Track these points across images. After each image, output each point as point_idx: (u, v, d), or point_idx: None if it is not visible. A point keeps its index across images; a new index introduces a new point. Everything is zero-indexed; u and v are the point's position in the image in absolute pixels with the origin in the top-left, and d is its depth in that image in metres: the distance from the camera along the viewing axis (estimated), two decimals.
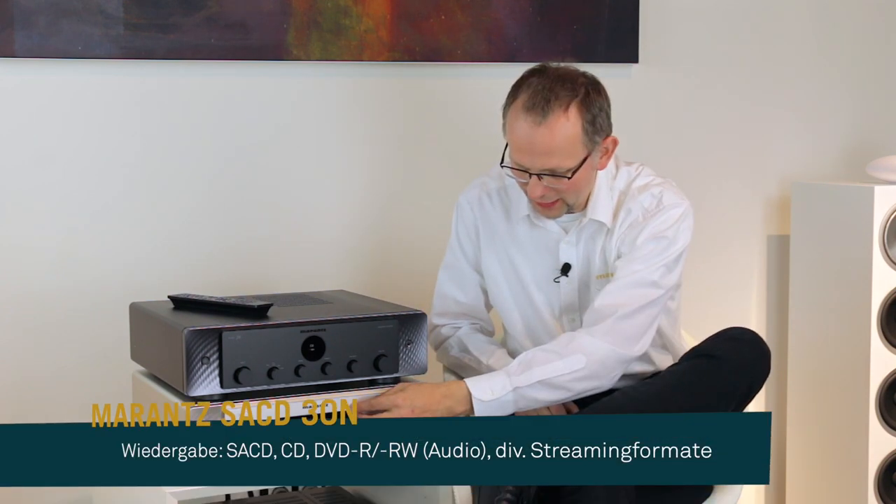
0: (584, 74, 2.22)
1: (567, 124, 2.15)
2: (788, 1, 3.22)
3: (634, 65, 3.03)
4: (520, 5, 2.87)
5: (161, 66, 2.59)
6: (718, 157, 3.18)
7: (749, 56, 3.19)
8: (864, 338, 2.93)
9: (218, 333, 1.99)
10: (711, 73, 3.16)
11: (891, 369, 2.93)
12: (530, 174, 2.19)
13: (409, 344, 2.15)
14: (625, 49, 2.99)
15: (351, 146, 2.80)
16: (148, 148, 2.62)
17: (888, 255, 2.90)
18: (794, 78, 3.26)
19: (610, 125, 2.23)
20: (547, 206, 2.26)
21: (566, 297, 2.34)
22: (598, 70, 2.33)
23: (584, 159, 2.19)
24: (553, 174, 2.18)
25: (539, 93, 2.15)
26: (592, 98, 2.18)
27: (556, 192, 2.21)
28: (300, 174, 2.76)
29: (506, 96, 2.23)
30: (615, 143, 2.25)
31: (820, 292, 3.09)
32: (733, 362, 2.18)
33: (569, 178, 2.18)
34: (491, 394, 2.11)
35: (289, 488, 2.46)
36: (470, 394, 2.11)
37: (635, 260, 2.23)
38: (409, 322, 2.15)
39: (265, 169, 2.72)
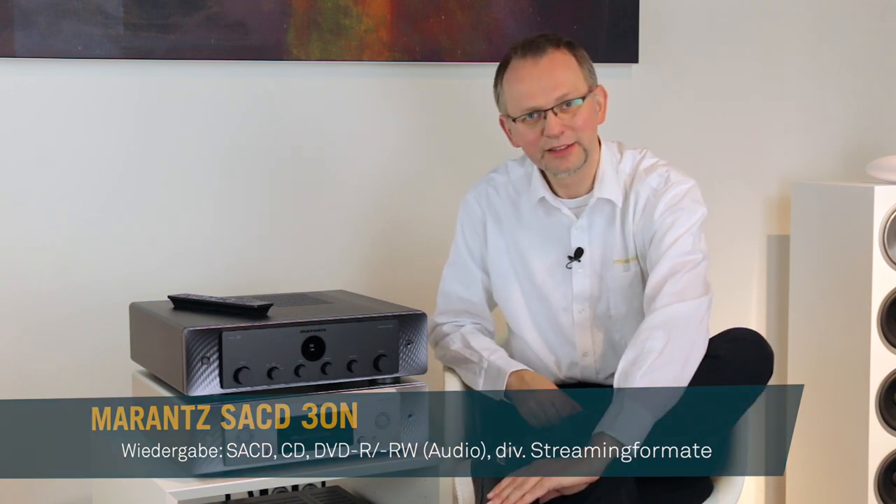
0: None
1: (563, 56, 2.26)
2: (788, 1, 3.22)
3: (634, 65, 3.03)
4: (520, 5, 2.87)
5: (161, 66, 2.59)
6: (718, 157, 3.18)
7: (749, 56, 3.19)
8: (864, 338, 2.92)
9: (218, 333, 1.99)
10: (711, 73, 3.15)
11: (891, 369, 2.93)
12: (545, 115, 2.22)
13: (409, 344, 2.15)
14: (625, 49, 2.99)
15: (351, 146, 2.80)
16: (148, 148, 2.62)
17: (888, 255, 2.90)
18: (794, 78, 3.26)
19: (596, 76, 2.31)
20: (565, 154, 2.26)
21: (579, 285, 2.34)
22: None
23: (589, 91, 2.26)
24: (566, 102, 2.23)
25: (528, 44, 2.27)
26: (574, 45, 2.30)
27: (572, 132, 2.24)
28: (300, 174, 2.75)
29: (494, 77, 2.31)
30: (605, 94, 2.33)
31: (820, 292, 3.09)
32: (736, 363, 2.18)
33: (582, 100, 2.23)
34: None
35: (289, 488, 2.46)
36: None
37: (662, 241, 2.25)
38: (409, 322, 2.15)
39: (265, 169, 2.72)
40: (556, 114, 2.23)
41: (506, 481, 2.04)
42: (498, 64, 2.31)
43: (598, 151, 2.33)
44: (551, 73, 2.23)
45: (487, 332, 2.45)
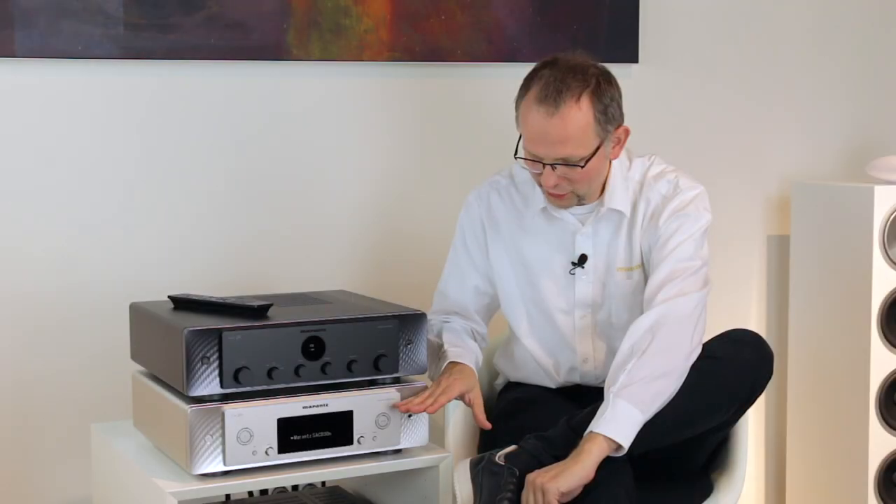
0: (595, 65, 2.23)
1: (579, 114, 2.16)
2: (788, 1, 3.22)
3: (634, 65, 3.03)
4: (520, 5, 2.87)
5: (161, 66, 2.59)
6: (718, 157, 3.18)
7: (749, 56, 3.19)
8: (864, 338, 2.93)
9: (218, 333, 1.99)
10: (711, 73, 3.16)
11: (891, 369, 2.93)
12: (544, 164, 2.20)
13: (409, 344, 2.15)
14: (625, 49, 2.99)
15: (351, 146, 2.80)
16: (148, 148, 2.62)
17: (888, 255, 2.90)
18: (794, 78, 3.26)
19: (622, 115, 2.24)
20: (558, 196, 2.26)
21: (581, 291, 2.34)
22: None
23: (597, 149, 2.20)
24: (566, 163, 2.19)
25: (551, 84, 2.17)
26: (604, 88, 2.20)
27: (568, 183, 2.22)
28: (300, 174, 2.76)
29: (518, 88, 2.24)
30: (627, 132, 2.26)
31: (820, 292, 3.09)
32: (735, 364, 2.18)
33: (582, 167, 2.19)
34: (619, 425, 2.06)
35: (289, 488, 2.46)
36: (606, 438, 2.05)
37: (664, 246, 2.25)
38: (409, 322, 2.15)
39: (265, 169, 2.72)
40: (553, 168, 2.19)
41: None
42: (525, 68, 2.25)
43: (605, 171, 2.30)
44: (559, 132, 2.16)
45: (477, 334, 2.43)
